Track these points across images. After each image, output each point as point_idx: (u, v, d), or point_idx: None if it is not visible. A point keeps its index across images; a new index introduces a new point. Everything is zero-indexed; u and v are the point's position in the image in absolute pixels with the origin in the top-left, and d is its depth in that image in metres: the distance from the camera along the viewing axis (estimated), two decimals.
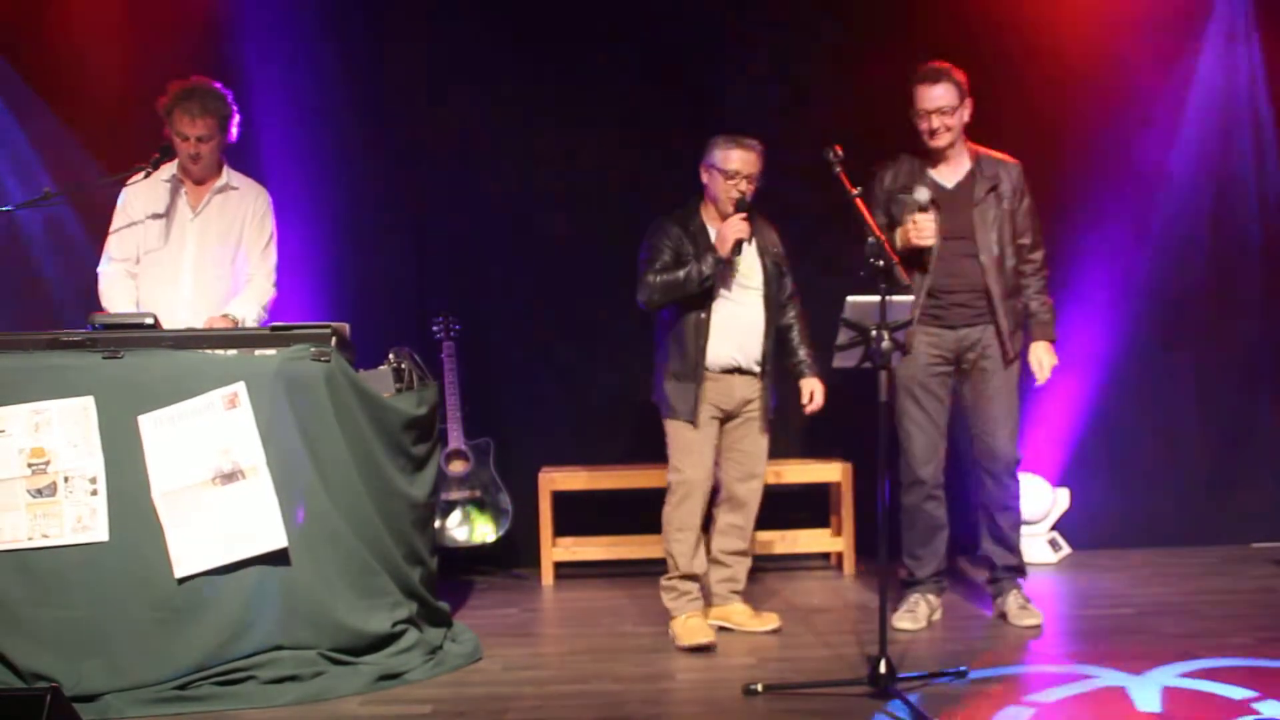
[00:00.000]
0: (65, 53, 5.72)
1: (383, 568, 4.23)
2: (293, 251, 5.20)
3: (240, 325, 4.60)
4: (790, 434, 5.58)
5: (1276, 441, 6.00)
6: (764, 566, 5.61)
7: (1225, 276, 6.00)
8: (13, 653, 4.00)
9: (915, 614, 4.70)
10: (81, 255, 5.22)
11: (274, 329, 4.34)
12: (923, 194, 4.47)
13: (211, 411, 4.09)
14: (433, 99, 5.89)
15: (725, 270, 4.53)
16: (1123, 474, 5.99)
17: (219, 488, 4.07)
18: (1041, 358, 4.71)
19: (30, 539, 4.04)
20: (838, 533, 5.79)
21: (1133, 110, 5.93)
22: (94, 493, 4.06)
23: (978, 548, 5.89)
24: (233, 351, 4.23)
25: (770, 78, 5.91)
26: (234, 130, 4.75)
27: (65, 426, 4.07)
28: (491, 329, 5.90)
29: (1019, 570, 4.76)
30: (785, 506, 5.60)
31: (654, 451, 4.77)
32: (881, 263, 3.97)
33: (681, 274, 4.50)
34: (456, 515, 5.64)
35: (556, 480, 5.73)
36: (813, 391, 4.71)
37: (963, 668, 4.08)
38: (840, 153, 4.19)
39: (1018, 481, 4.72)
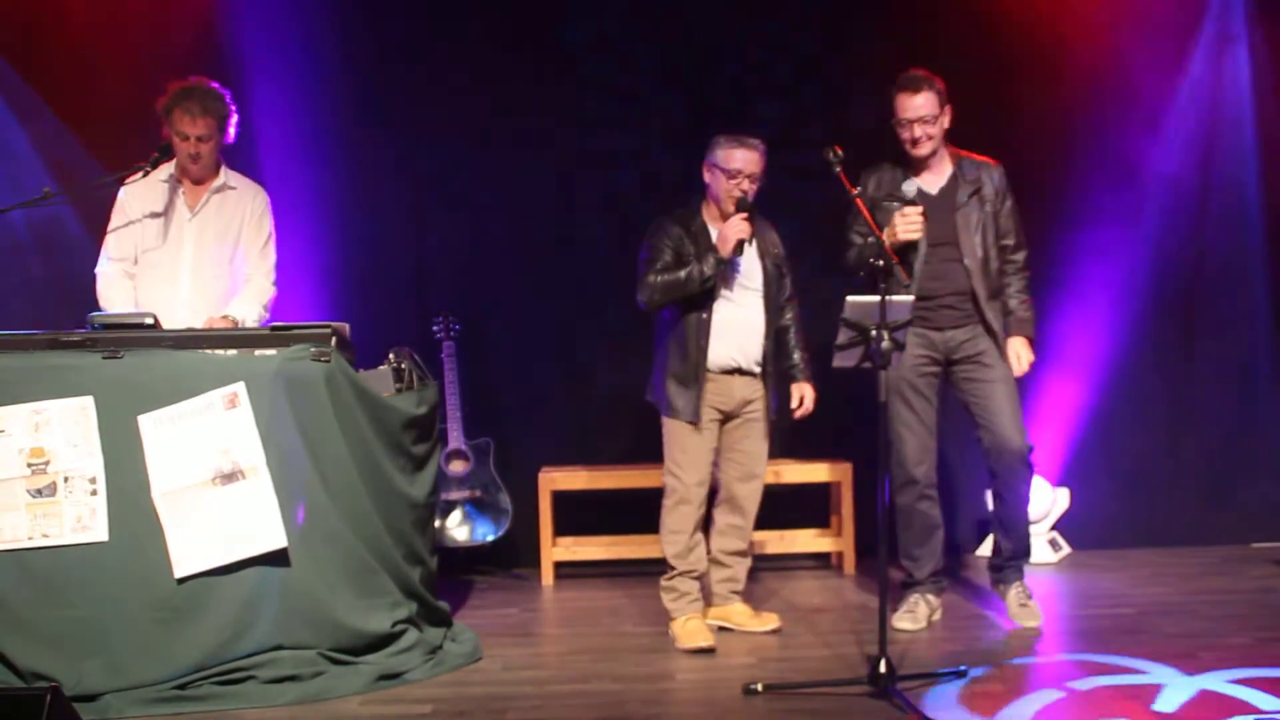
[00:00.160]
0: (64, 52, 5.72)
1: (382, 567, 4.23)
2: (293, 251, 5.21)
3: (240, 326, 4.60)
4: (790, 434, 5.58)
5: (1276, 441, 6.00)
6: (764, 566, 5.61)
7: (1225, 276, 6.00)
8: (13, 653, 4.00)
9: (915, 614, 4.70)
10: (80, 255, 5.21)
11: (274, 329, 4.34)
12: (910, 187, 4.46)
13: (211, 411, 4.08)
14: (433, 98, 5.88)
15: (726, 271, 4.53)
16: (1123, 474, 5.99)
17: (219, 488, 4.07)
18: (1019, 351, 4.67)
19: (30, 539, 4.04)
20: (838, 533, 5.79)
21: (1133, 111, 5.93)
22: (94, 493, 4.06)
23: (976, 547, 5.92)
24: (233, 351, 4.23)
25: (774, 76, 5.91)
26: (232, 130, 4.75)
27: (65, 426, 4.07)
28: (491, 329, 5.90)
29: (1024, 555, 4.73)
30: (785, 506, 5.60)
31: (654, 451, 4.76)
32: (881, 262, 3.98)
33: (683, 274, 4.50)
34: (456, 515, 5.64)
35: (556, 480, 5.73)
36: (803, 396, 4.72)
37: (963, 668, 4.08)
38: (840, 153, 4.19)
39: (1031, 469, 4.66)
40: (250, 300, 4.74)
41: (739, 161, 4.51)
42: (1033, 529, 5.75)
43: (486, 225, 5.93)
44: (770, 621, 4.75)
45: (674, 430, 4.60)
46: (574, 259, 5.91)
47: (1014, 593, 4.71)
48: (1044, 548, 5.77)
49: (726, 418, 4.64)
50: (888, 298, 3.91)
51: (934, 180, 4.64)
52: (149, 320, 4.34)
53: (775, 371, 4.69)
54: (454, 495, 5.63)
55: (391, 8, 5.92)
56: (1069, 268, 5.88)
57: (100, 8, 5.74)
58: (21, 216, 5.47)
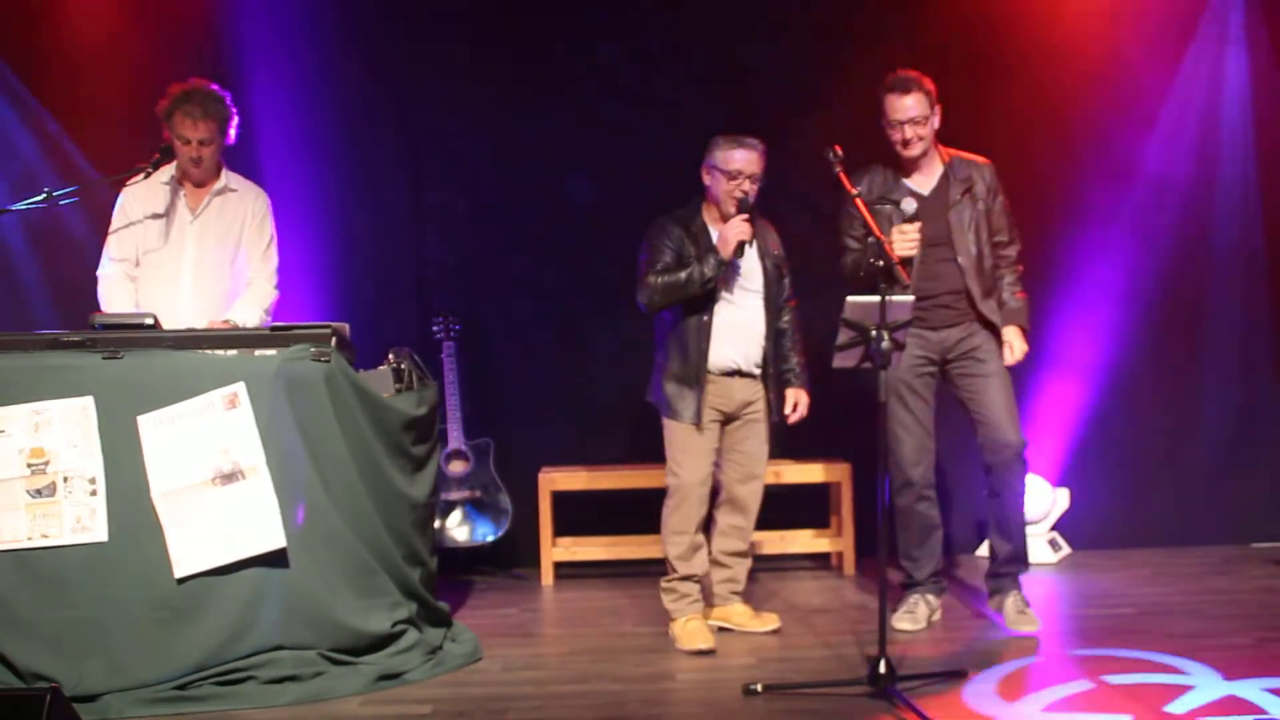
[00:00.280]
0: (64, 53, 5.72)
1: (382, 568, 4.23)
2: (293, 251, 5.21)
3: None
4: (790, 434, 5.57)
5: (1276, 441, 6.00)
6: (764, 567, 5.61)
7: (1225, 276, 5.99)
8: (13, 653, 4.00)
9: (915, 615, 4.70)
10: (81, 256, 5.21)
11: (274, 329, 4.35)
12: (909, 205, 4.44)
13: (211, 411, 4.09)
14: (433, 98, 5.89)
15: (726, 272, 4.52)
16: (1123, 474, 5.99)
17: (219, 488, 4.07)
18: (1012, 340, 4.65)
19: (30, 539, 4.04)
20: (838, 533, 5.79)
21: (1133, 111, 5.93)
22: (94, 493, 4.06)
23: (975, 547, 5.92)
24: (233, 352, 4.23)
25: (775, 75, 5.92)
26: (233, 132, 4.75)
27: (65, 426, 4.07)
28: (491, 329, 5.90)
29: (1021, 563, 4.69)
30: (785, 507, 5.59)
31: (654, 451, 4.77)
32: (881, 263, 3.98)
33: (683, 275, 4.49)
34: (456, 515, 5.64)
35: (556, 480, 5.73)
36: (797, 402, 4.72)
37: (963, 667, 4.08)
38: (840, 152, 4.19)
39: (1025, 465, 4.65)
40: (251, 304, 4.74)
41: (738, 162, 4.50)
42: (1032, 529, 5.77)
43: (486, 225, 5.94)
44: (770, 622, 4.75)
45: (675, 431, 4.60)
46: (574, 259, 5.90)
47: (1011, 601, 4.65)
48: (1044, 548, 5.77)
49: (727, 419, 4.64)
50: (888, 298, 3.91)
51: (925, 181, 4.64)
52: (149, 321, 4.34)
53: (772, 374, 4.69)
54: (454, 495, 5.63)
55: (392, 7, 5.91)
56: (1069, 268, 5.88)
57: (99, 9, 5.74)
58: (22, 217, 5.47)
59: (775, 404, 4.67)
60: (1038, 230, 5.39)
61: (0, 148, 5.71)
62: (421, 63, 5.88)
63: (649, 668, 4.34)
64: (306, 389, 4.12)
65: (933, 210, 4.58)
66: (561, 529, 5.76)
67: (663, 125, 5.86)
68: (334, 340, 4.24)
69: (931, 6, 5.83)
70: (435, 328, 5.67)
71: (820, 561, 5.88)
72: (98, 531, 4.05)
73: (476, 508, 5.66)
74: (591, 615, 5.11)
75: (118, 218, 4.77)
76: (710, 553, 4.74)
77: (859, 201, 4.28)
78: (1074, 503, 5.92)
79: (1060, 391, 5.93)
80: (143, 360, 4.15)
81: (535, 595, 5.51)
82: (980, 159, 4.70)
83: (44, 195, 4.60)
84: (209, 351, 4.23)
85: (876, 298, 3.91)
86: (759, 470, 4.72)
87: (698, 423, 4.53)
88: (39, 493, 4.06)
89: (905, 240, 4.40)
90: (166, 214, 4.74)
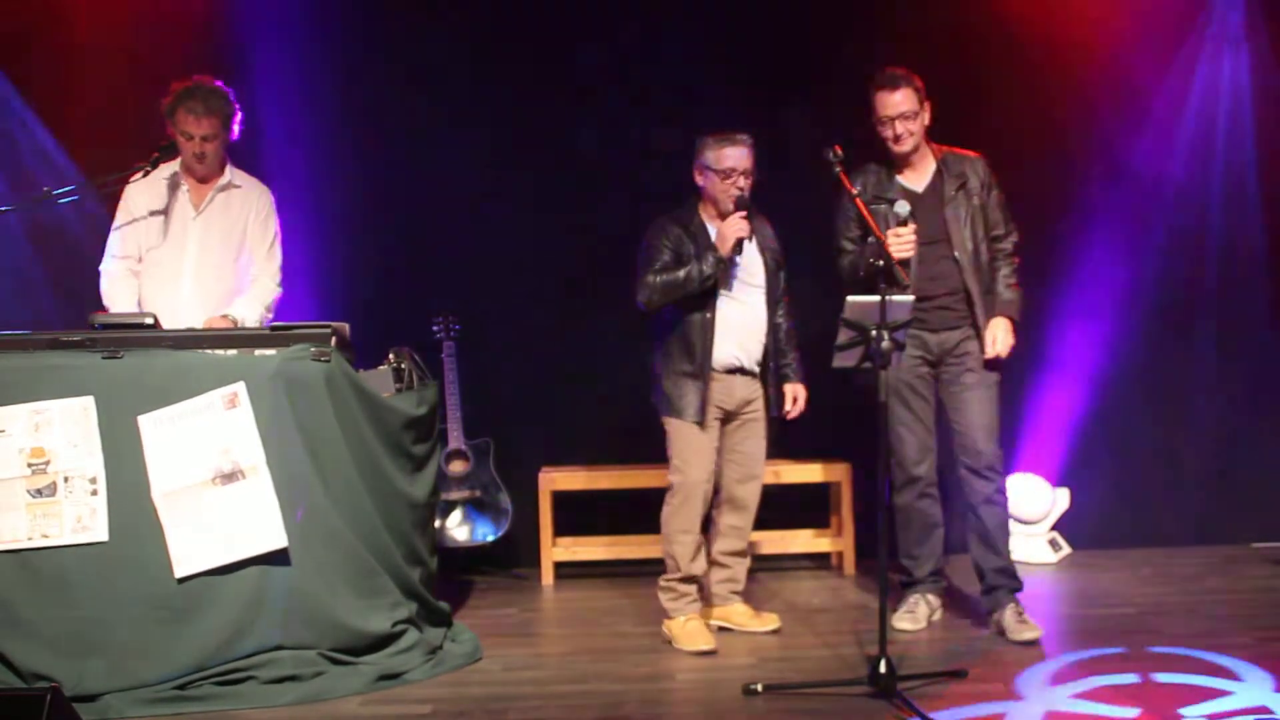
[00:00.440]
0: (65, 51, 5.71)
1: (383, 568, 4.23)
2: (293, 250, 5.19)
3: (240, 325, 4.60)
4: (789, 434, 5.58)
5: (1276, 441, 6.00)
6: (764, 567, 5.62)
7: (1225, 277, 5.99)
8: (13, 653, 4.00)
9: (915, 614, 4.70)
10: (82, 255, 5.21)
11: (274, 329, 4.35)
12: (903, 207, 4.42)
13: (211, 411, 4.09)
14: (433, 99, 5.88)
15: (726, 269, 4.52)
16: (1123, 474, 5.99)
17: (219, 488, 4.07)
18: (997, 333, 4.59)
19: (30, 539, 4.04)
20: (837, 533, 5.79)
21: (1134, 112, 5.94)
22: (94, 493, 4.06)
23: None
24: (233, 351, 4.23)
25: (770, 72, 5.92)
26: (236, 128, 4.75)
27: (65, 426, 4.07)
28: (491, 329, 5.90)
29: (1012, 579, 4.62)
30: (785, 506, 5.59)
31: (654, 451, 4.77)
32: (881, 262, 3.98)
33: (682, 274, 4.49)
34: (456, 515, 5.64)
35: (556, 480, 5.73)
36: (795, 397, 4.72)
37: (963, 667, 4.08)
38: (840, 152, 4.19)
39: (1002, 476, 4.64)
40: (253, 301, 4.74)
41: (731, 160, 4.50)
42: (1033, 529, 5.78)
43: (486, 225, 5.93)
44: (770, 622, 4.75)
45: (678, 430, 4.59)
46: (574, 259, 5.90)
47: (1009, 612, 4.55)
48: (1044, 548, 5.77)
49: (727, 418, 4.64)
50: (888, 298, 3.91)
51: (919, 178, 4.64)
52: (149, 320, 4.34)
53: (772, 370, 4.69)
54: (454, 495, 5.63)
55: (394, 6, 5.91)
56: (1068, 267, 5.88)
57: (100, 6, 5.74)
58: (22, 216, 5.47)
59: (774, 400, 4.67)
60: (1037, 230, 5.38)
61: (0, 148, 5.71)
62: (423, 61, 5.87)
63: (649, 668, 4.34)
64: (306, 389, 4.12)
65: (927, 207, 4.57)
66: (561, 529, 5.76)
67: (664, 123, 5.85)
68: (334, 340, 4.24)
69: (932, 6, 5.82)
70: (435, 328, 5.67)
71: (820, 561, 5.88)
72: (98, 531, 4.05)
73: (476, 508, 5.66)
74: (591, 615, 5.11)
75: (121, 214, 4.76)
76: (709, 553, 4.74)
77: (859, 202, 4.28)
78: (1074, 503, 5.92)
79: (1060, 391, 5.93)
80: (143, 360, 4.15)
81: (535, 595, 5.51)
82: (971, 153, 4.70)
83: (43, 194, 4.60)
84: (209, 351, 4.23)
85: (876, 298, 3.91)
86: (758, 470, 4.72)
87: (701, 420, 4.53)
88: (39, 492, 4.06)
89: (900, 244, 4.38)
90: (169, 210, 4.73)
